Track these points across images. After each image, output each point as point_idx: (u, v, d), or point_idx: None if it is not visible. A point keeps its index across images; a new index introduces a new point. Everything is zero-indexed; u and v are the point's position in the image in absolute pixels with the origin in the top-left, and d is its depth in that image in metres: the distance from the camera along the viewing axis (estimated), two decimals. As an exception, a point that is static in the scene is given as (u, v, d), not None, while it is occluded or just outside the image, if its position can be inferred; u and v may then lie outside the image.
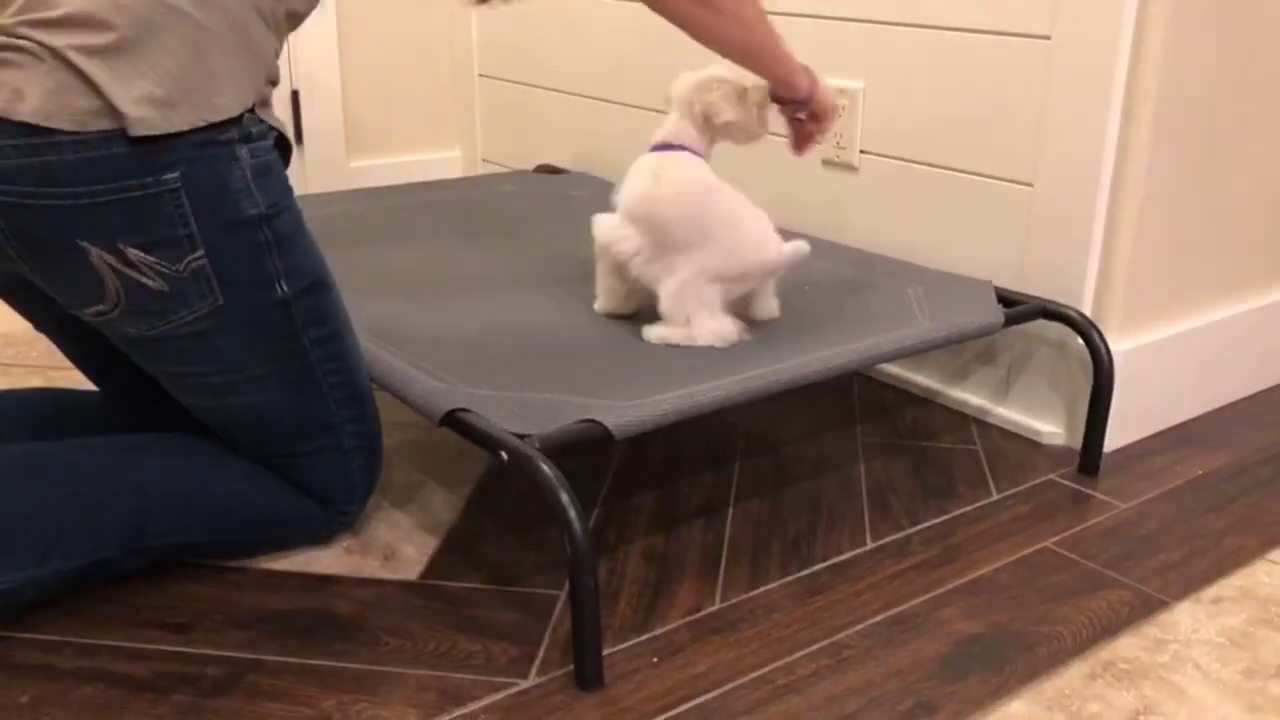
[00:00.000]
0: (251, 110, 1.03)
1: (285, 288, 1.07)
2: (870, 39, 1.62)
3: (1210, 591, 1.16)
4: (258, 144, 1.03)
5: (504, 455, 0.99)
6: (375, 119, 2.43)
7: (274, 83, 1.09)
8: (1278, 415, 1.61)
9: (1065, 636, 1.08)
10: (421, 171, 2.48)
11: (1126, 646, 1.07)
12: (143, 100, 0.96)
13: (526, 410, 1.07)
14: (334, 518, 1.20)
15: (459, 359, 1.22)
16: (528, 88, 2.31)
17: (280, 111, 2.30)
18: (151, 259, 1.01)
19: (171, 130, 0.97)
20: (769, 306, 1.36)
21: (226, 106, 1.00)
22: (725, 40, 1.23)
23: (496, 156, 2.45)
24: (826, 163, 1.71)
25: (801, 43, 1.70)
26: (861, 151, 1.66)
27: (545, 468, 0.97)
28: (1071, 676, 1.02)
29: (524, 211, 1.89)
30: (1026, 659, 1.05)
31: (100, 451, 1.14)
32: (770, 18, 1.26)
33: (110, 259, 1.00)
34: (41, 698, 0.97)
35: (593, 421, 1.04)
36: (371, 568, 1.18)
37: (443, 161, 2.54)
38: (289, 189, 1.08)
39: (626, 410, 1.06)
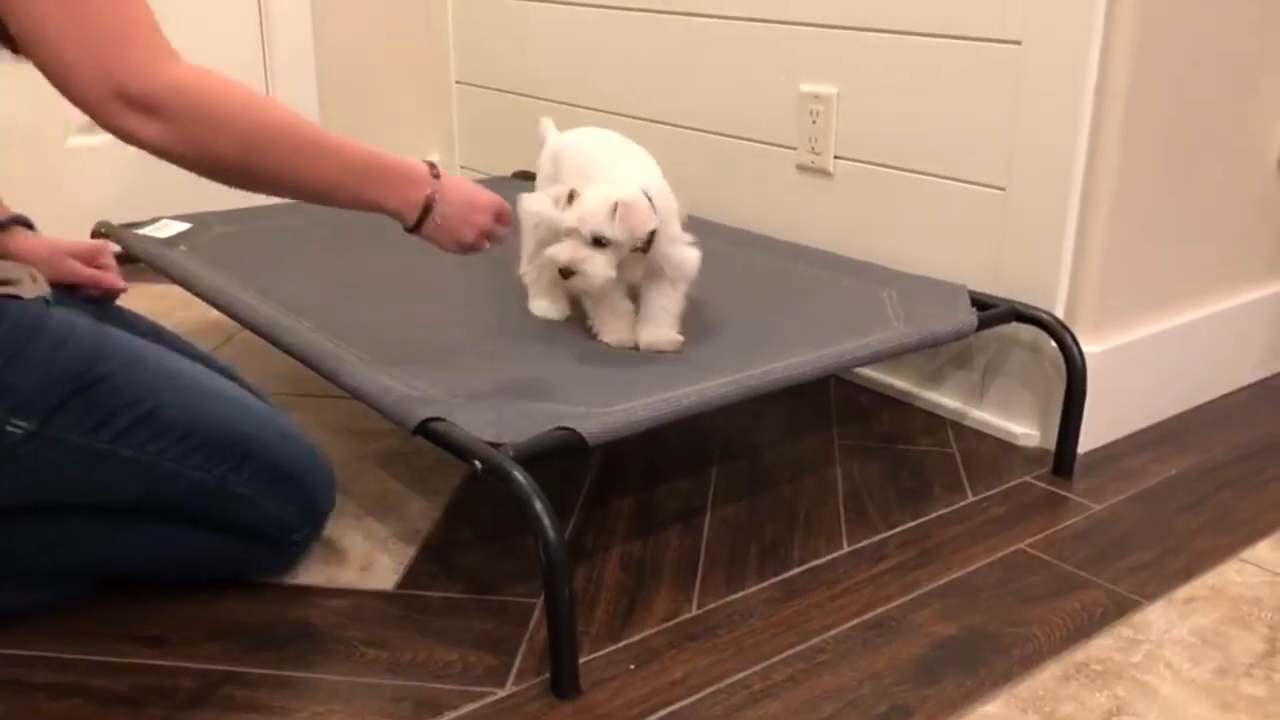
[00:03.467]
0: None
1: (22, 424, 0.98)
2: (844, 45, 1.62)
3: (1183, 591, 1.17)
4: None
5: (478, 464, 0.99)
6: (352, 127, 2.42)
7: None
8: (1250, 415, 1.62)
9: (1039, 638, 1.09)
10: (399, 178, 2.47)
11: (1100, 647, 1.07)
12: None
13: (501, 418, 1.07)
14: (283, 551, 1.16)
15: (433, 367, 1.22)
16: (505, 94, 2.31)
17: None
18: None
19: None
20: (657, 335, 1.29)
21: None
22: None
23: (474, 163, 2.45)
24: (801, 168, 1.72)
25: (776, 49, 1.71)
26: (836, 157, 1.67)
27: (519, 476, 0.97)
28: (1045, 678, 1.03)
29: (501, 218, 1.89)
30: (1001, 661, 1.05)
31: None
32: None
33: None
34: (14, 713, 0.97)
35: (567, 429, 1.04)
36: (348, 578, 1.18)
37: (420, 168, 2.53)
38: None
39: (601, 417, 1.06)
